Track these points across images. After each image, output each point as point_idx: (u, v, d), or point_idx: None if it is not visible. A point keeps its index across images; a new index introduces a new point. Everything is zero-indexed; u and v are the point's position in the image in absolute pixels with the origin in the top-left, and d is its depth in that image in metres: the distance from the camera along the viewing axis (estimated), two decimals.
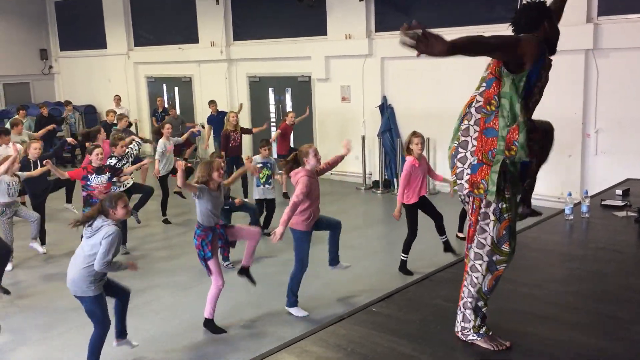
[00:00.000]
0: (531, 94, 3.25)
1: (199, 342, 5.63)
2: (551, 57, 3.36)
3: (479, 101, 3.31)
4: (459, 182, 3.36)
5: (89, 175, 7.36)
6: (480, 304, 3.51)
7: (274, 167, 8.57)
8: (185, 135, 10.92)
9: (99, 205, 4.99)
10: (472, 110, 3.34)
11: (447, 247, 7.25)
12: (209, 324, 5.83)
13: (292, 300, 6.10)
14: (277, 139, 11.07)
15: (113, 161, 8.10)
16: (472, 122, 3.32)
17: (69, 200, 9.51)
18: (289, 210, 5.62)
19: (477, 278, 3.45)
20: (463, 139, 3.34)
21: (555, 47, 3.38)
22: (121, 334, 5.33)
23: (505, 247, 3.37)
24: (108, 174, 7.48)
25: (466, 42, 2.87)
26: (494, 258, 3.39)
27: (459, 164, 3.35)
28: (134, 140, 8.97)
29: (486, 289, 3.46)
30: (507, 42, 3.13)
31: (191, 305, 6.40)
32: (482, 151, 3.27)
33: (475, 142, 3.29)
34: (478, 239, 3.40)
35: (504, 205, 3.33)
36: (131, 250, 8.25)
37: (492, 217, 3.35)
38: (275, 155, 12.57)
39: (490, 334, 3.57)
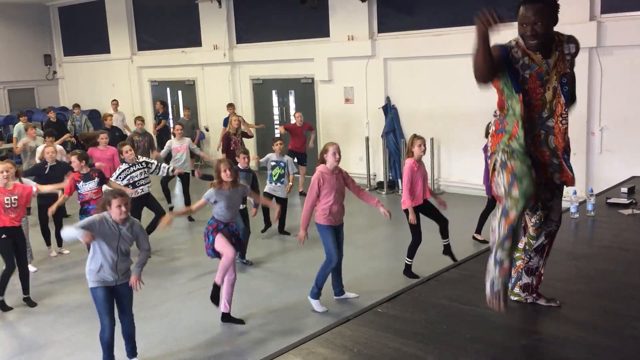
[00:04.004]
0: (525, 91, 3.45)
1: (205, 345, 5.64)
2: (539, 55, 3.43)
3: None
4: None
5: (77, 184, 7.29)
6: (499, 256, 3.44)
7: (287, 166, 8.58)
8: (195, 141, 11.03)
9: (103, 200, 5.07)
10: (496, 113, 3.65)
11: (447, 251, 6.95)
12: (225, 317, 5.94)
13: (315, 292, 6.15)
14: (286, 134, 11.25)
15: (123, 167, 7.92)
16: (493, 127, 3.67)
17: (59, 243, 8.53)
18: (304, 211, 5.98)
19: (495, 223, 3.47)
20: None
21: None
22: (129, 353, 5.28)
23: (514, 191, 3.38)
24: (97, 179, 7.35)
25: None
26: (506, 204, 3.42)
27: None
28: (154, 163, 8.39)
29: (503, 237, 3.42)
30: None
31: (197, 308, 6.41)
32: (493, 146, 3.58)
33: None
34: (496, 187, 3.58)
35: (505, 156, 3.48)
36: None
37: (500, 170, 3.51)
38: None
39: (501, 292, 3.44)
